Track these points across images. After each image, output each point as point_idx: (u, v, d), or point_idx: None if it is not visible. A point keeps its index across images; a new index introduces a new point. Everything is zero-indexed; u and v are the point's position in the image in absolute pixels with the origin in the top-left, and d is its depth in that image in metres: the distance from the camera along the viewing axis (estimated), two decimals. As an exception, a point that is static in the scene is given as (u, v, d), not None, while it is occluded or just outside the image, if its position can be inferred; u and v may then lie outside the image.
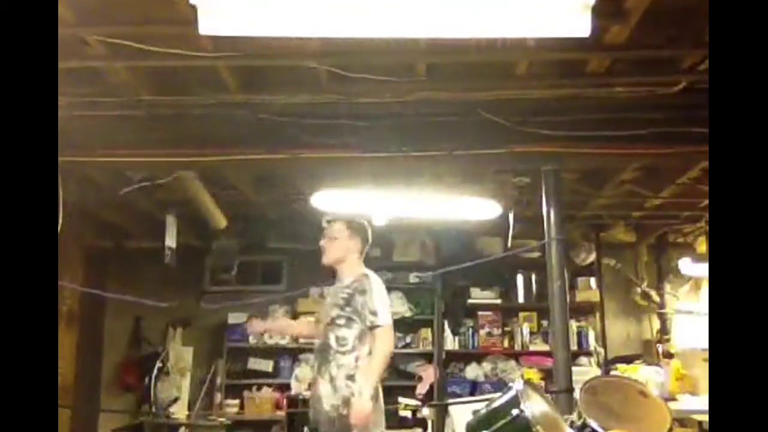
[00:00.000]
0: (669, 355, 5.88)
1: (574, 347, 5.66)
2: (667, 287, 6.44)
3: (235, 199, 5.31)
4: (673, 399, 4.86)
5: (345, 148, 3.74)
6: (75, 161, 3.71)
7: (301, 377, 6.12)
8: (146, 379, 6.10)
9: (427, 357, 6.23)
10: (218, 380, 6.32)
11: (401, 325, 6.07)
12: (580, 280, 6.28)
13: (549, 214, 3.84)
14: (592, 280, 6.31)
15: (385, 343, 3.33)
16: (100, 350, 6.48)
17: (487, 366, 6.20)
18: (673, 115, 3.64)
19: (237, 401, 6.23)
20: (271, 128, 3.69)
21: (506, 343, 6.35)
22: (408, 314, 6.32)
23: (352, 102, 3.55)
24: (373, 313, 3.31)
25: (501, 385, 5.30)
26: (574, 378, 3.67)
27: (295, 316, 6.14)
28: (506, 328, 6.40)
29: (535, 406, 2.38)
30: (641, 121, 3.67)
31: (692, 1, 2.82)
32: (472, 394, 5.81)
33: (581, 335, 6.22)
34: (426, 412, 4.53)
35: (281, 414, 6.16)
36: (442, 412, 3.96)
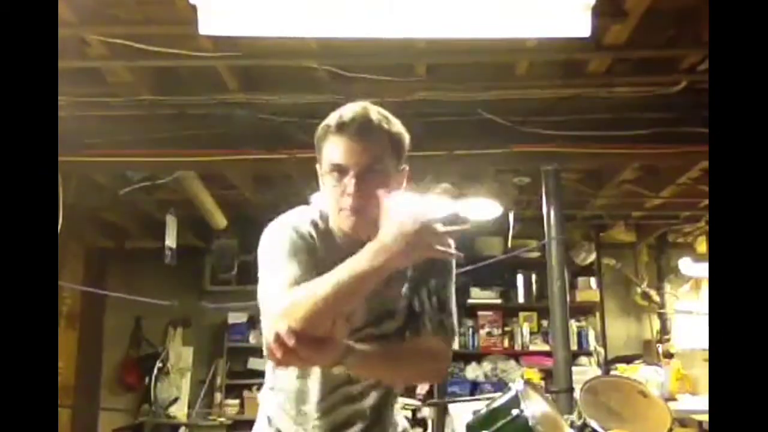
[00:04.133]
0: (669, 355, 5.88)
1: (574, 347, 5.65)
2: (667, 287, 6.43)
3: (235, 199, 5.31)
4: (673, 399, 4.85)
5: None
6: (75, 161, 3.71)
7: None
8: (146, 379, 6.11)
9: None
10: (218, 380, 6.32)
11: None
12: (580, 280, 6.27)
13: (549, 214, 3.84)
14: (592, 280, 6.30)
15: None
16: (100, 350, 6.48)
17: (487, 366, 6.20)
18: (673, 115, 3.64)
19: (237, 401, 6.23)
20: (271, 128, 3.69)
21: (506, 343, 6.34)
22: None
23: (352, 102, 3.55)
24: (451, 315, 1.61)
25: (501, 385, 5.30)
26: (574, 378, 3.67)
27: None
28: (506, 328, 6.39)
29: (535, 406, 2.38)
30: (641, 121, 3.67)
31: (692, 1, 2.83)
32: (472, 394, 5.80)
33: (581, 335, 6.21)
34: (426, 412, 4.52)
35: (281, 414, 6.16)
36: (442, 412, 3.95)
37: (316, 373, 1.55)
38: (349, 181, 1.46)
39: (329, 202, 1.53)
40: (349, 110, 1.52)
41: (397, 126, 1.54)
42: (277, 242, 1.51)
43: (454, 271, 1.65)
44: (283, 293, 1.38)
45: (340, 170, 1.48)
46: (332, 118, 1.52)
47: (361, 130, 1.48)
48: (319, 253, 1.50)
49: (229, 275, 6.23)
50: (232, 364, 6.34)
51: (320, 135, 1.54)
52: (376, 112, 1.52)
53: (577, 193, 5.15)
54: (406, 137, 1.56)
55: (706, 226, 5.71)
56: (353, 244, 1.43)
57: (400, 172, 1.55)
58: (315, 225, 1.56)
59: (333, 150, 1.50)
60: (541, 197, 3.91)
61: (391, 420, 1.66)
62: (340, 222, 1.51)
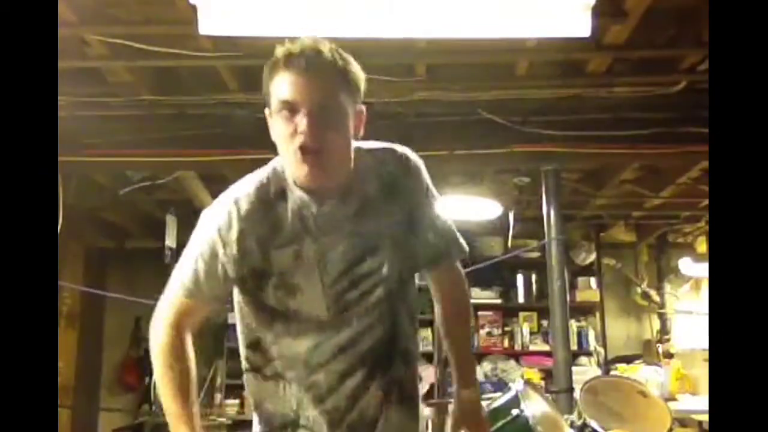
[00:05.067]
0: (669, 355, 5.88)
1: (574, 347, 5.65)
2: (667, 287, 6.44)
3: (235, 199, 5.31)
4: (673, 399, 4.85)
5: (345, 148, 3.74)
6: (75, 161, 3.71)
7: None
8: (146, 379, 6.10)
9: (427, 357, 6.22)
10: (218, 380, 6.32)
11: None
12: (580, 280, 6.27)
13: (549, 214, 3.84)
14: (592, 280, 6.30)
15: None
16: (100, 350, 6.48)
17: (487, 366, 6.20)
18: (673, 115, 3.64)
19: (237, 401, 6.22)
20: (271, 128, 3.69)
21: (506, 343, 6.34)
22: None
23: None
24: (453, 234, 1.67)
25: (501, 385, 5.30)
26: (574, 378, 3.67)
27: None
28: (506, 328, 6.39)
29: (535, 406, 2.38)
30: (641, 121, 3.67)
31: (692, 1, 2.83)
32: (472, 394, 5.79)
33: (581, 335, 6.21)
34: (426, 411, 4.52)
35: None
36: (442, 412, 3.95)
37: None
38: (301, 120, 1.35)
39: (281, 147, 1.41)
40: (297, 43, 1.39)
41: (351, 63, 1.45)
42: (197, 234, 1.48)
43: (427, 178, 1.62)
44: (172, 301, 1.47)
45: (290, 108, 1.36)
46: (279, 51, 1.39)
47: (311, 63, 1.36)
48: (258, 229, 1.42)
49: (229, 275, 6.22)
50: (232, 364, 6.33)
51: (267, 71, 1.41)
52: (327, 47, 1.41)
53: (577, 193, 5.15)
54: (362, 76, 1.46)
55: (706, 226, 5.71)
56: (308, 198, 1.41)
57: (357, 113, 1.47)
58: (263, 190, 1.45)
59: (282, 85, 1.37)
60: (541, 197, 3.91)
61: (402, 367, 1.56)
62: (296, 170, 1.40)
